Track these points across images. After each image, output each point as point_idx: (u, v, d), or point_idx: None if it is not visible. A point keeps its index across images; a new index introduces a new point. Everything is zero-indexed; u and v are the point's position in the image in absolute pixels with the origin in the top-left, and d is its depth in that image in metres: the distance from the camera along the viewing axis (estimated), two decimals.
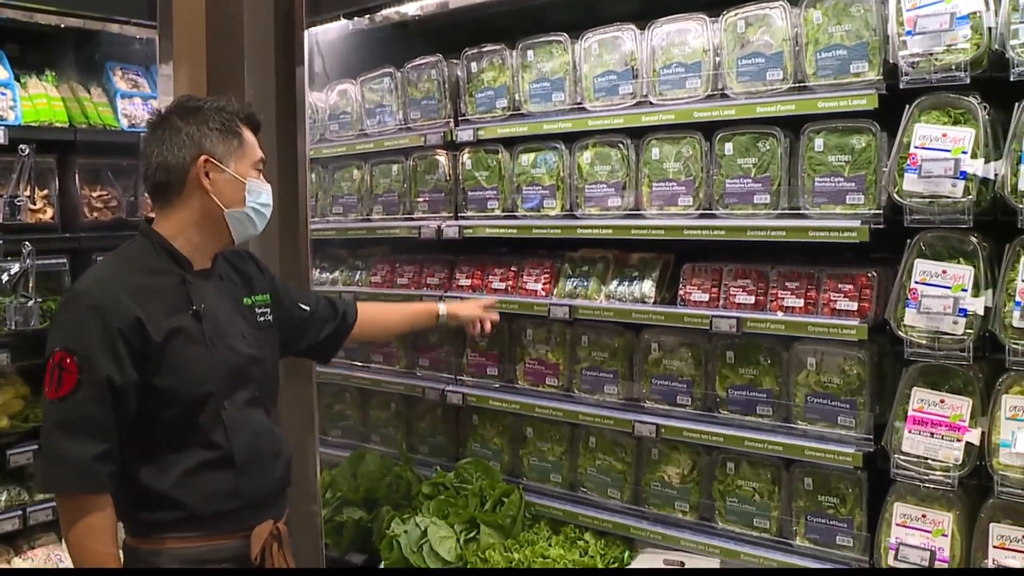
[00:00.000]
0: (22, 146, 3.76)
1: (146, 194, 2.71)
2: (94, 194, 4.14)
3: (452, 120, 4.03)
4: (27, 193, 3.86)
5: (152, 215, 2.63)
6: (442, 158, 4.12)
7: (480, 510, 3.72)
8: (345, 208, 4.58)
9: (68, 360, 2.33)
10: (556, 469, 3.81)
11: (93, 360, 2.34)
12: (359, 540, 3.95)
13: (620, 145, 3.52)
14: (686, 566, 3.33)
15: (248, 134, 2.64)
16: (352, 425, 4.65)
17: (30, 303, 3.82)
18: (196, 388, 2.48)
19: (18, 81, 3.92)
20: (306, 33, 3.83)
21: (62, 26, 3.92)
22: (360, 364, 4.50)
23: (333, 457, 4.44)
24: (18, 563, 3.80)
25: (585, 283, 3.70)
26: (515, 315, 3.91)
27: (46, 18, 3.91)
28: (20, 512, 3.87)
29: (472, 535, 3.65)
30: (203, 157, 2.52)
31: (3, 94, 3.80)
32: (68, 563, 3.73)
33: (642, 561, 3.44)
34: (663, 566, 3.36)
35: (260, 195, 2.64)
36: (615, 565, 3.44)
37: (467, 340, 4.07)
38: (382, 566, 3.72)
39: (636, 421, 3.43)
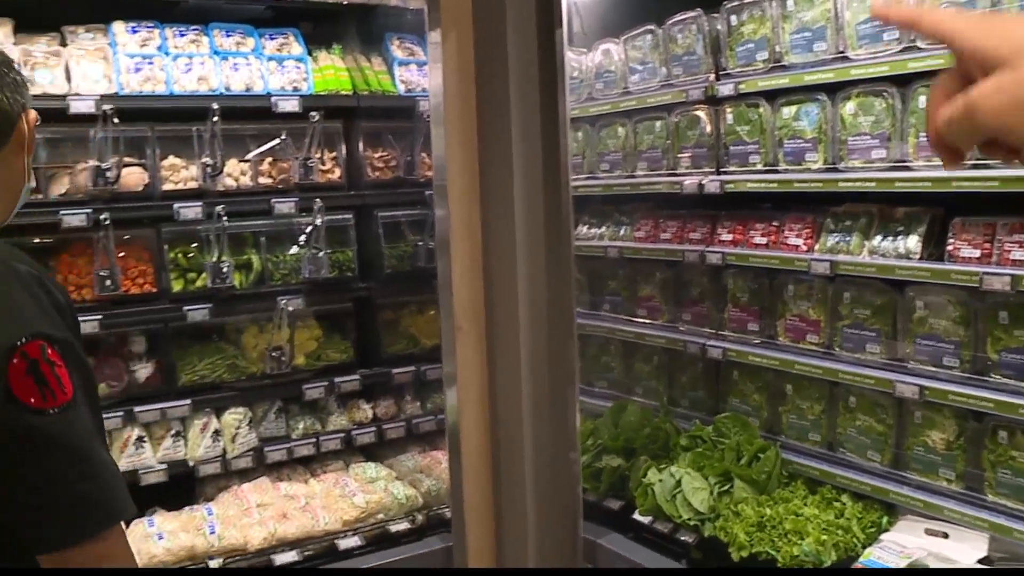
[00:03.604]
0: (312, 112, 4.14)
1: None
2: (375, 155, 4.48)
3: (713, 74, 3.99)
4: (318, 155, 4.26)
5: None
6: (702, 113, 4.10)
7: (735, 464, 3.72)
8: (611, 165, 4.65)
9: (50, 350, 1.66)
10: (815, 428, 3.73)
11: (71, 342, 1.74)
12: (616, 486, 4.07)
13: (885, 94, 3.34)
14: (950, 538, 3.19)
15: None
16: (616, 377, 4.76)
17: (320, 254, 4.24)
18: None
19: (310, 55, 4.32)
20: None
21: (346, 3, 4.27)
22: (625, 318, 4.60)
23: (597, 407, 4.57)
24: (313, 483, 4.25)
25: (847, 238, 3.56)
26: (776, 270, 3.84)
27: None
28: (314, 439, 4.33)
29: (726, 488, 3.67)
30: (32, 111, 1.89)
31: (298, 67, 4.21)
32: (354, 487, 4.14)
33: (901, 528, 3.32)
34: (924, 536, 3.23)
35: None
36: (872, 530, 3.33)
37: (728, 295, 4.06)
38: (636, 513, 3.82)
39: (898, 381, 3.28)
